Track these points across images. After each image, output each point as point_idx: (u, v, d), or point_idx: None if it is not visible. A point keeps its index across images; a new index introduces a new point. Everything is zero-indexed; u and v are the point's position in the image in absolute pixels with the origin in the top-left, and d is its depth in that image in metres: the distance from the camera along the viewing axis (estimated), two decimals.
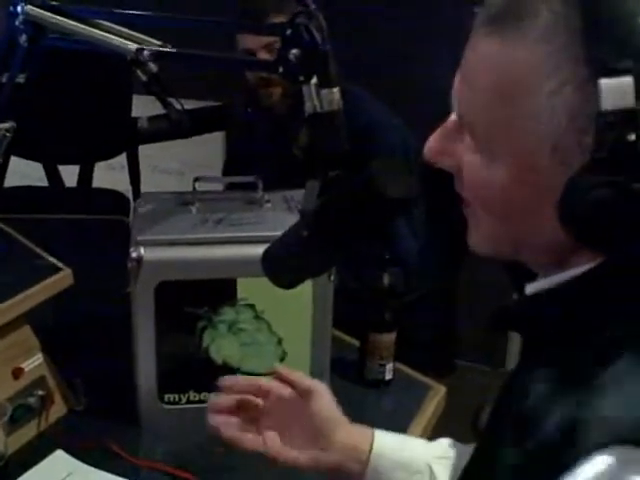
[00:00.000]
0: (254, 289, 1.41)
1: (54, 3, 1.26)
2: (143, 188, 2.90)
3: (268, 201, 1.50)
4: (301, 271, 1.05)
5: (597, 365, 0.67)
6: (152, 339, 1.41)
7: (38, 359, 1.47)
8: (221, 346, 1.45)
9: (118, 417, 1.48)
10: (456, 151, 0.78)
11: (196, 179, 1.49)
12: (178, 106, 1.28)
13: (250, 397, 1.11)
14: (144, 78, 1.19)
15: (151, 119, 2.67)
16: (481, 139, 0.74)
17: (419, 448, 1.09)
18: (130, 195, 2.92)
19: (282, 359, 1.48)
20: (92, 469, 1.36)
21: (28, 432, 1.43)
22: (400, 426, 1.42)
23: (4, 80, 1.31)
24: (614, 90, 0.64)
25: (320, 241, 0.98)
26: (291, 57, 0.98)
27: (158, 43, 1.19)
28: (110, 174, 3.10)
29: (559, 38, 0.67)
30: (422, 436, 1.47)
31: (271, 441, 1.07)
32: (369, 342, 1.62)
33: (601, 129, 0.65)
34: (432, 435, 1.43)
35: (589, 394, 0.66)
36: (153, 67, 1.17)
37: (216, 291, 1.41)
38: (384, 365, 1.62)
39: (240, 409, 1.12)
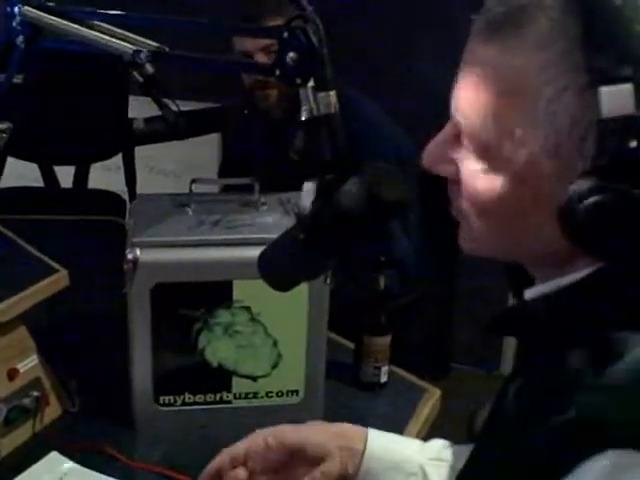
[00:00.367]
0: (250, 291, 1.41)
1: (51, 4, 1.26)
2: (139, 189, 2.90)
3: (264, 203, 1.50)
4: (297, 274, 1.05)
5: (595, 369, 0.68)
6: (148, 341, 1.41)
7: (33, 360, 1.46)
8: (217, 348, 1.45)
9: (113, 419, 1.48)
10: (454, 159, 0.78)
11: (193, 181, 1.49)
12: (174, 108, 1.28)
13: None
14: (141, 80, 1.19)
15: (147, 120, 2.67)
16: (480, 146, 0.74)
17: (413, 449, 1.09)
18: (126, 196, 2.91)
19: (277, 362, 1.48)
20: (87, 471, 1.36)
21: (23, 433, 1.43)
22: (395, 429, 1.40)
23: (1, 81, 1.31)
24: (614, 97, 0.64)
25: (316, 244, 0.98)
26: (288, 60, 0.98)
27: (155, 45, 1.19)
28: (106, 175, 3.09)
29: (558, 45, 0.67)
30: (417, 439, 1.47)
31: None
32: (364, 345, 1.62)
33: (602, 136, 0.65)
34: (427, 438, 1.43)
35: (587, 397, 0.66)
36: (150, 69, 1.17)
37: (212, 293, 1.41)
38: (379, 368, 1.62)
39: None
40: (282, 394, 1.50)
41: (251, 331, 1.45)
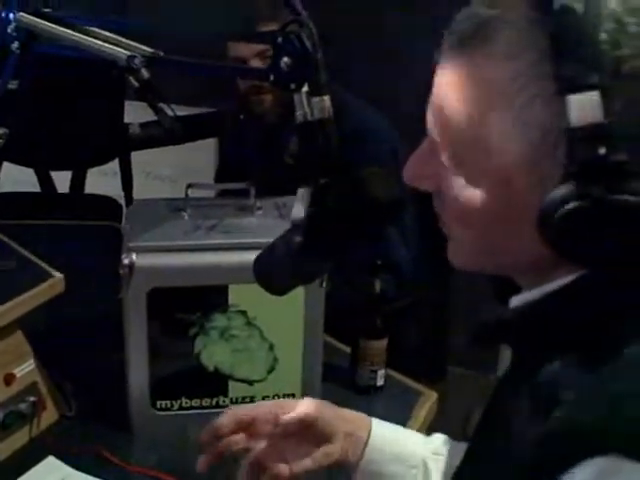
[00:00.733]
0: (246, 295, 1.41)
1: (46, 10, 1.26)
2: (135, 194, 2.89)
3: (260, 208, 1.50)
4: (293, 278, 1.05)
5: (582, 375, 0.68)
6: (144, 345, 1.41)
7: (30, 365, 1.47)
8: (213, 352, 1.45)
9: (110, 423, 1.48)
10: (434, 173, 0.78)
11: (189, 185, 1.49)
12: (170, 113, 1.29)
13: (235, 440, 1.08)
14: (137, 85, 1.19)
15: (143, 125, 2.67)
16: (457, 160, 0.75)
17: (416, 442, 1.10)
18: (122, 201, 2.91)
19: (274, 366, 1.48)
20: (84, 475, 1.36)
21: (20, 438, 1.43)
22: None
23: None
24: (582, 105, 0.64)
25: (312, 248, 0.98)
26: (282, 65, 0.98)
27: (150, 50, 1.20)
28: (102, 180, 3.09)
29: (528, 55, 0.68)
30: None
31: (284, 469, 1.05)
32: (360, 348, 1.62)
33: (572, 144, 0.65)
34: None
35: (575, 403, 0.66)
36: (145, 74, 1.18)
37: (208, 297, 1.42)
38: (375, 371, 1.63)
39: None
40: (279, 398, 1.50)
41: (247, 335, 1.45)
